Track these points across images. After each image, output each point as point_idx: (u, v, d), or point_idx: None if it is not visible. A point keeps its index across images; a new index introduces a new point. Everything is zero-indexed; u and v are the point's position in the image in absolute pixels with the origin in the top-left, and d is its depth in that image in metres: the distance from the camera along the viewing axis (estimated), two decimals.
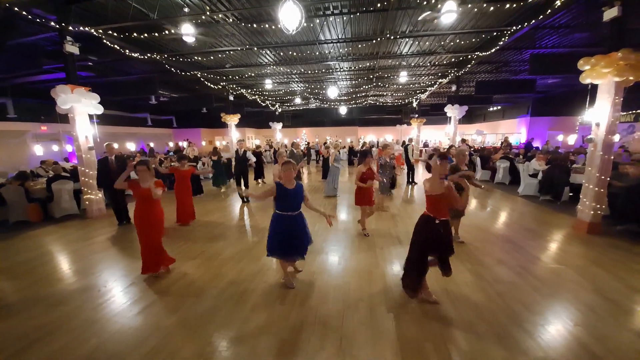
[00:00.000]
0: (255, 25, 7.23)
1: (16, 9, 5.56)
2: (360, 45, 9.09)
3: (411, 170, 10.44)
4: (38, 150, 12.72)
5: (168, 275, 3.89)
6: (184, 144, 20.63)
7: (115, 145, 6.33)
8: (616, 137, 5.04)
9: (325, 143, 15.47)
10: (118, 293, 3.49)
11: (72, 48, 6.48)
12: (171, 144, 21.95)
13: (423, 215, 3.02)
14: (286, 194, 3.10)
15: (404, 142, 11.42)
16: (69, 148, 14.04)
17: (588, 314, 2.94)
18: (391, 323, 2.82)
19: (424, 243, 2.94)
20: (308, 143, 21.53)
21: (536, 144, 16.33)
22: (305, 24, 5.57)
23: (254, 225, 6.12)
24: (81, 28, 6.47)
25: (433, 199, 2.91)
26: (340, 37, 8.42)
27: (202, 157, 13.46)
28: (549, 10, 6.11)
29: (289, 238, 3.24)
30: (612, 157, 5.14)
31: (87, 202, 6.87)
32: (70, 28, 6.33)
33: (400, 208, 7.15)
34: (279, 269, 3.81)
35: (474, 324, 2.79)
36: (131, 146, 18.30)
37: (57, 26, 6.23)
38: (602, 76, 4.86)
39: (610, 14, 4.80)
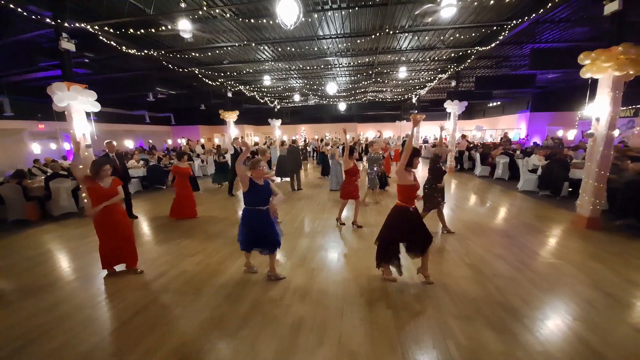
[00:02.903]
0: (252, 21, 7.15)
1: (11, 5, 5.49)
2: (359, 41, 9.01)
3: None
4: (35, 148, 12.65)
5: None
6: (182, 141, 20.56)
7: (114, 143, 6.36)
8: (616, 132, 5.02)
9: (322, 140, 15.42)
10: (117, 291, 3.49)
11: (68, 45, 6.41)
12: (169, 142, 21.84)
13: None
14: (256, 188, 3.33)
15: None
16: (66, 146, 13.96)
17: (587, 308, 2.94)
18: (390, 318, 2.82)
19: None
20: (305, 140, 21.44)
21: (536, 139, 16.32)
22: (303, 19, 5.50)
23: None
24: (77, 24, 6.40)
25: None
26: (339, 33, 8.34)
27: (200, 155, 13.43)
28: (550, 4, 6.04)
29: (259, 231, 3.41)
30: (612, 153, 5.13)
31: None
32: (66, 24, 6.25)
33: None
34: (278, 266, 3.83)
35: (472, 318, 2.80)
36: (129, 144, 18.21)
37: (53, 23, 6.15)
38: (603, 70, 4.83)
39: (610, 7, 4.76)
